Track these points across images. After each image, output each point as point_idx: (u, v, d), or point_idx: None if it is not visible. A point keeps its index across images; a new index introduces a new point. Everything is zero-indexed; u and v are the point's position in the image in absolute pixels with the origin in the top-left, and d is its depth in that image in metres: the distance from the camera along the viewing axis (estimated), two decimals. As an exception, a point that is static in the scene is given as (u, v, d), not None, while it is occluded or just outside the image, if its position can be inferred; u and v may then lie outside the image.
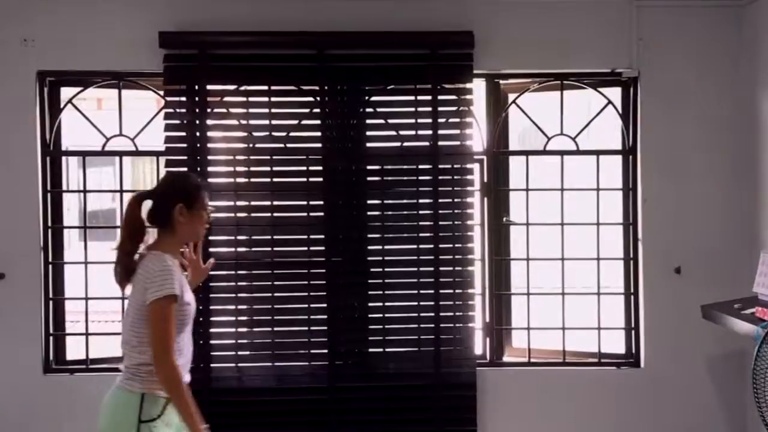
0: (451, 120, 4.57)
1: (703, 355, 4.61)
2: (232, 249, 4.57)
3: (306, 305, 4.54)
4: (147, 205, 3.12)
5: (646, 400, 4.61)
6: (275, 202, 4.57)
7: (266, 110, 4.59)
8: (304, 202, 4.55)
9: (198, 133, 4.50)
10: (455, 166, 4.56)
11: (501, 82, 4.74)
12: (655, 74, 4.58)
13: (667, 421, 4.60)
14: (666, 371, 4.60)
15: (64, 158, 4.72)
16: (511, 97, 4.77)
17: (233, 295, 4.55)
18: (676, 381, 4.60)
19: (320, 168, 4.55)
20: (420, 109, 4.57)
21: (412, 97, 4.59)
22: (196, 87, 4.50)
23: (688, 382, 4.60)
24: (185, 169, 4.49)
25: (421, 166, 4.57)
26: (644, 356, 4.64)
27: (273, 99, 4.58)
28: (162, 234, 3.11)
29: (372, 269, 4.59)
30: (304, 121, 4.58)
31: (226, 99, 4.59)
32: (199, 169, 4.49)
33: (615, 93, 4.72)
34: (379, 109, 4.59)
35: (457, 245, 4.55)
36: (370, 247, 4.59)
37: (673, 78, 4.59)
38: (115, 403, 3.04)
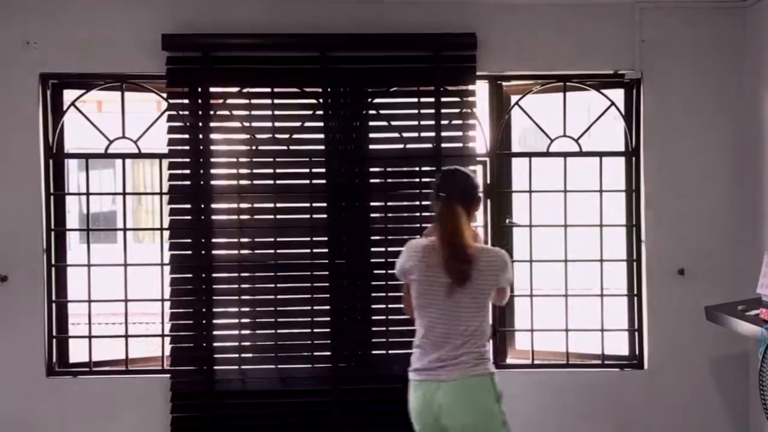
0: (453, 122, 4.57)
1: (707, 357, 4.61)
2: (235, 251, 4.56)
3: (309, 307, 4.54)
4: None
5: (649, 401, 4.60)
6: (278, 204, 4.56)
7: (269, 112, 4.58)
8: (307, 204, 4.55)
9: (201, 136, 4.50)
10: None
11: (504, 83, 4.74)
12: (657, 76, 4.58)
13: (670, 423, 4.60)
14: (669, 373, 4.60)
15: (65, 161, 4.71)
16: (514, 98, 4.76)
17: (236, 297, 4.55)
18: (680, 382, 4.60)
19: (323, 170, 4.54)
20: (423, 111, 4.57)
21: (414, 99, 4.59)
22: (199, 89, 4.50)
23: (691, 384, 4.60)
24: (188, 171, 4.51)
25: (423, 168, 4.57)
26: (647, 358, 4.64)
27: (276, 101, 4.58)
28: (467, 227, 3.26)
29: (375, 271, 4.58)
30: (307, 124, 4.58)
31: (229, 101, 4.59)
32: (201, 171, 4.49)
33: (618, 94, 4.72)
34: (381, 111, 4.59)
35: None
36: (373, 249, 4.59)
37: (676, 79, 4.59)
38: (478, 390, 3.18)
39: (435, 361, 3.22)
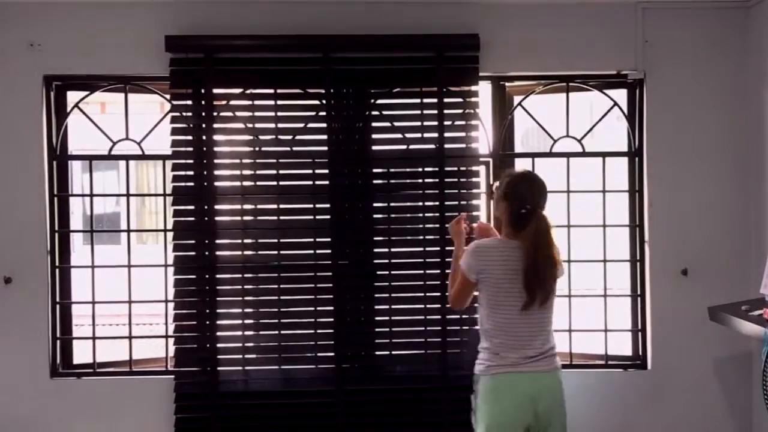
0: (456, 122, 4.56)
1: (710, 357, 4.61)
2: (239, 252, 4.56)
3: (312, 308, 4.54)
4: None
5: (652, 401, 4.60)
6: (281, 206, 4.56)
7: (272, 113, 4.58)
8: (311, 205, 4.55)
9: (204, 137, 4.51)
10: (461, 168, 4.56)
11: (506, 84, 4.74)
12: (660, 76, 4.58)
13: (674, 423, 4.60)
14: (673, 373, 4.60)
15: (69, 162, 4.72)
16: (517, 99, 4.76)
17: (240, 298, 4.55)
18: (683, 383, 4.60)
19: (326, 171, 4.54)
20: (426, 111, 4.57)
21: (417, 100, 4.59)
22: (202, 90, 4.51)
23: (695, 384, 4.60)
24: (191, 172, 4.52)
25: (426, 169, 4.57)
26: (651, 358, 4.64)
27: (278, 102, 4.58)
28: None
29: (378, 272, 4.59)
30: (310, 125, 4.57)
31: (232, 102, 4.59)
32: (205, 172, 4.50)
33: (621, 95, 4.73)
34: (384, 112, 4.60)
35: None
36: (376, 250, 4.60)
37: (679, 80, 4.59)
38: (560, 379, 3.56)
39: (525, 358, 3.46)
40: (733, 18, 4.58)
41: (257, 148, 4.57)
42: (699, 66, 4.60)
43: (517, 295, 3.42)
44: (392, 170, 4.59)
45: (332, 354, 4.54)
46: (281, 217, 4.56)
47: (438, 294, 4.52)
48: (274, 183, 4.57)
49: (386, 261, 4.59)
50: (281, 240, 4.56)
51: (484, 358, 3.52)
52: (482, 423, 3.47)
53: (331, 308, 4.54)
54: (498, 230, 3.80)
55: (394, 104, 4.61)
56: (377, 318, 4.59)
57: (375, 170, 4.61)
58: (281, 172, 4.57)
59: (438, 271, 4.53)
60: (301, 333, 4.56)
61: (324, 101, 4.55)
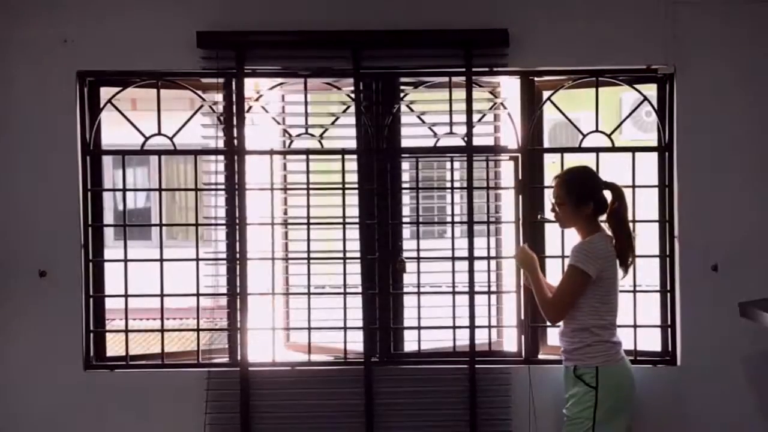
0: (485, 117, 4.58)
1: (741, 353, 4.58)
2: (269, 247, 4.60)
3: (342, 303, 4.56)
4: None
5: (682, 397, 4.59)
6: (311, 200, 4.59)
7: (302, 108, 4.61)
8: (340, 199, 4.58)
9: (235, 132, 4.55)
10: (489, 163, 4.57)
11: (535, 79, 4.74)
12: (691, 70, 4.55)
13: (704, 419, 4.57)
14: (703, 369, 4.57)
15: (102, 157, 4.77)
16: (546, 94, 4.76)
17: (270, 292, 4.59)
18: (713, 379, 4.57)
19: (355, 165, 4.57)
20: (454, 106, 4.58)
21: (446, 95, 4.60)
22: (233, 86, 4.54)
23: (725, 380, 4.57)
24: (223, 167, 4.56)
25: (455, 163, 4.58)
26: (681, 354, 4.62)
27: (309, 97, 4.61)
28: None
29: (407, 266, 4.60)
30: (340, 119, 4.60)
31: (263, 97, 4.63)
32: (236, 167, 4.54)
33: (650, 89, 4.70)
34: (413, 107, 4.62)
35: (491, 242, 4.56)
36: (404, 245, 4.61)
37: (710, 74, 4.55)
38: None
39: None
40: (765, 11, 4.54)
41: (288, 143, 4.59)
42: (730, 60, 4.56)
43: (617, 285, 3.94)
44: (421, 164, 4.60)
45: (361, 349, 4.56)
46: (311, 212, 4.59)
47: (466, 289, 4.54)
48: (304, 177, 4.59)
49: (414, 256, 4.60)
50: (311, 234, 4.59)
51: (601, 350, 3.83)
52: (615, 410, 3.84)
53: (360, 303, 4.56)
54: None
55: (423, 99, 4.62)
56: (406, 313, 4.61)
57: (404, 164, 4.63)
58: (311, 166, 4.59)
59: (466, 267, 4.55)
60: (331, 328, 4.59)
61: (353, 96, 4.58)
